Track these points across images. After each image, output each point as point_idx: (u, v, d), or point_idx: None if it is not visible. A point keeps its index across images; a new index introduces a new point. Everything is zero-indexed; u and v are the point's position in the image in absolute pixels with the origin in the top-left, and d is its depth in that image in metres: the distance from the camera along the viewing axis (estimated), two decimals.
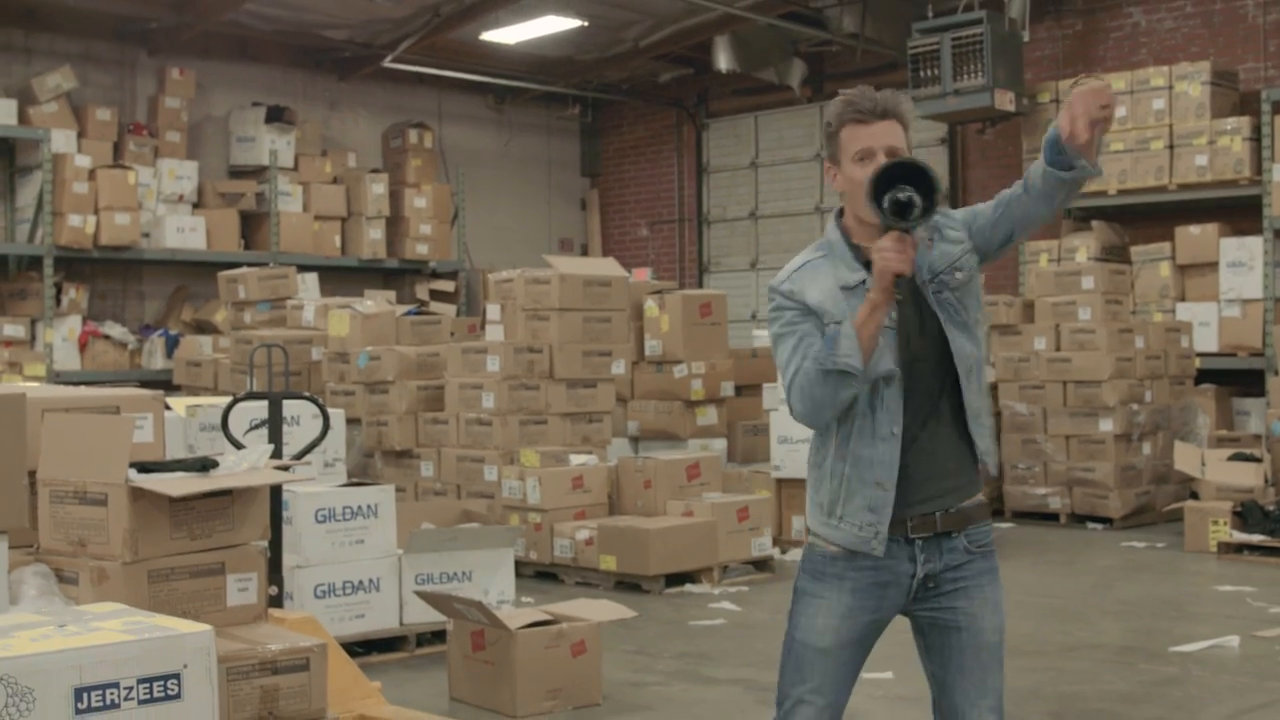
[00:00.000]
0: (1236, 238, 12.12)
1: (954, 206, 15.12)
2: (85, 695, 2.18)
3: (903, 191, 2.96)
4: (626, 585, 8.43)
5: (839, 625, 3.24)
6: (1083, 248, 12.74)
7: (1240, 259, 12.02)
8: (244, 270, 12.12)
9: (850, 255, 3.26)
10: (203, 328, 13.52)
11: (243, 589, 3.84)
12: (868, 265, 3.16)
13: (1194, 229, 12.34)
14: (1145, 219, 13.04)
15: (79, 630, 2.31)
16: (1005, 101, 12.60)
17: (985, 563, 3.28)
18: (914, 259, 3.05)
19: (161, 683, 2.26)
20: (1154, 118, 12.37)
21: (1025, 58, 13.11)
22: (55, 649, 2.19)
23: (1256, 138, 11.90)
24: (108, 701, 2.21)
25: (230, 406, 6.31)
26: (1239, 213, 12.30)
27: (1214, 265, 12.20)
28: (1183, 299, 12.44)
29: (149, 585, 3.62)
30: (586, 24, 14.43)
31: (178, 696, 2.28)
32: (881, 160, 3.12)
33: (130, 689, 2.22)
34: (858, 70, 14.79)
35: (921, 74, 12.74)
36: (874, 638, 3.31)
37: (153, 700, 2.25)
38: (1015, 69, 12.81)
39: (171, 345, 13.07)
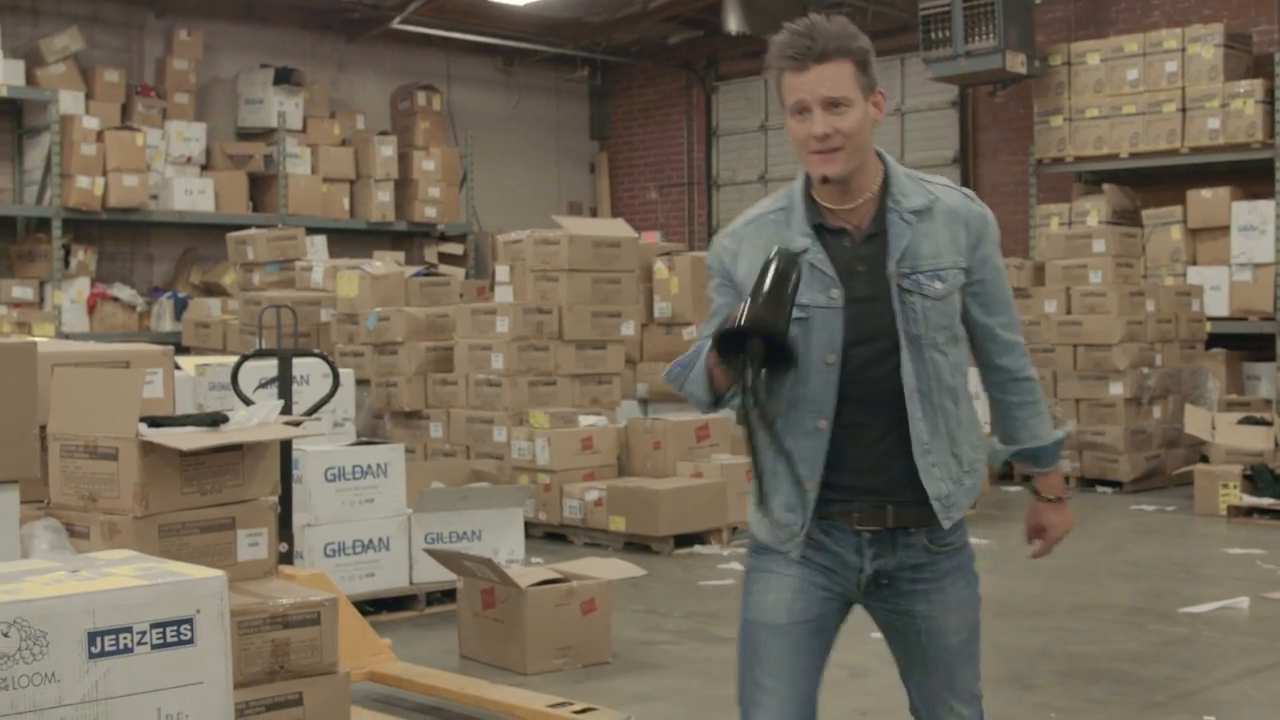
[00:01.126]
0: (1248, 201, 12.07)
1: (964, 173, 14.50)
2: (99, 639, 2.19)
3: (753, 346, 2.62)
4: (636, 546, 8.44)
5: (792, 600, 2.87)
6: (1094, 211, 12.69)
7: (1252, 223, 11.97)
8: (252, 232, 12.12)
9: (804, 215, 2.85)
10: (211, 290, 13.52)
11: (253, 544, 3.85)
12: (818, 228, 2.83)
13: (1205, 192, 12.28)
14: (1157, 182, 12.99)
15: (91, 575, 2.31)
16: (1017, 64, 12.52)
17: (950, 561, 2.90)
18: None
19: (175, 627, 2.26)
20: (1166, 80, 12.29)
21: (1037, 19, 13.02)
22: (68, 593, 2.19)
23: (1269, 101, 11.83)
24: (121, 645, 2.21)
25: (240, 363, 6.32)
26: (1251, 176, 12.24)
27: (1225, 229, 12.15)
28: (1194, 263, 12.40)
29: (160, 540, 3.62)
30: None
31: (190, 641, 2.28)
32: (818, 121, 2.74)
33: (144, 633, 2.23)
34: (869, 32, 14.54)
35: (933, 35, 12.66)
36: (833, 622, 2.92)
37: (166, 645, 2.26)
38: (1027, 31, 12.72)
39: (180, 307, 13.06)
